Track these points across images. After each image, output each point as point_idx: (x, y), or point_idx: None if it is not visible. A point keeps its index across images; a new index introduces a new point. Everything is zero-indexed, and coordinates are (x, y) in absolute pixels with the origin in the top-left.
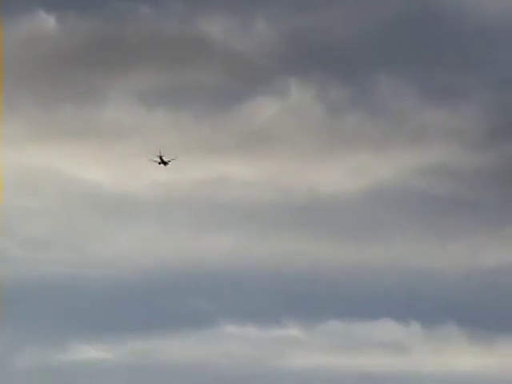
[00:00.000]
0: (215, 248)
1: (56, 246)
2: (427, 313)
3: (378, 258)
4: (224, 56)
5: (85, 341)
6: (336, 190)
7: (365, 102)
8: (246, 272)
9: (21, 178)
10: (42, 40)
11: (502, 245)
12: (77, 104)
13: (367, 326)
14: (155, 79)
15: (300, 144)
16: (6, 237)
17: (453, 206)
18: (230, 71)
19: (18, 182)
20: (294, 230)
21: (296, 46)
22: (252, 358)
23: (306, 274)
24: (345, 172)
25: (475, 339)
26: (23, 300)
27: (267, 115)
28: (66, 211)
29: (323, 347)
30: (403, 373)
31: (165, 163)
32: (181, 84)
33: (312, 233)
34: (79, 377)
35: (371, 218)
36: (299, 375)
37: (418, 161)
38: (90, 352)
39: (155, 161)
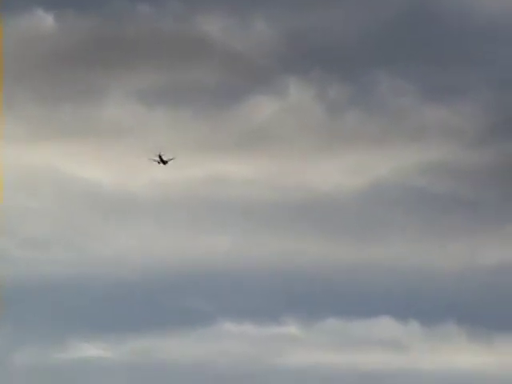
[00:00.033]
0: (214, 246)
1: (55, 245)
2: (426, 311)
3: (376, 257)
4: (223, 55)
5: (84, 339)
6: (335, 188)
7: (364, 101)
8: (245, 271)
9: (20, 178)
10: (40, 39)
11: (501, 243)
12: (76, 103)
13: (366, 324)
14: (154, 78)
15: (299, 143)
16: (5, 236)
17: (452, 205)
18: (229, 70)
19: (17, 182)
20: (292, 228)
21: (295, 45)
22: (250, 356)
23: (305, 272)
24: (344, 171)
25: (474, 337)
26: (22, 299)
27: (266, 114)
28: (65, 210)
29: (322, 345)
30: (402, 371)
31: (164, 162)
32: (180, 83)
33: (311, 231)
34: (79, 375)
35: (370, 217)
36: (298, 373)
37: (418, 159)
38: (90, 350)
39: (155, 160)
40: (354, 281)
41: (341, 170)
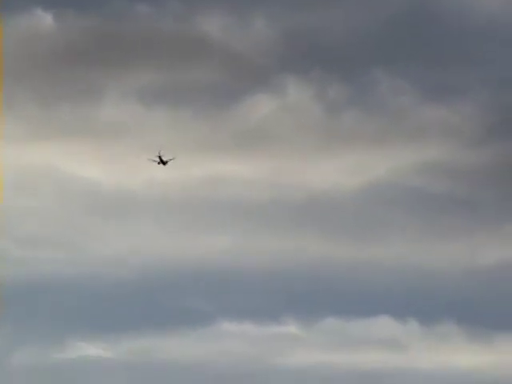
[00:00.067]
0: (213, 246)
1: (54, 244)
2: (425, 310)
3: (375, 256)
4: (222, 54)
5: (83, 339)
6: (334, 188)
7: (363, 100)
8: (245, 270)
9: (19, 177)
10: (39, 38)
11: (500, 243)
12: (75, 102)
13: (365, 324)
14: (153, 78)
15: (298, 142)
16: (4, 236)
17: (451, 204)
18: (228, 70)
19: (17, 181)
20: (291, 228)
21: (294, 45)
22: (250, 356)
23: (304, 271)
24: (343, 170)
25: (473, 337)
26: (21, 298)
27: (265, 114)
28: (64, 210)
29: (321, 345)
30: (401, 370)
31: (164, 163)
32: (179, 82)
33: (310, 231)
34: (78, 375)
35: (369, 217)
36: (298, 373)
37: (417, 159)
38: (89, 350)
39: (154, 160)
40: (354, 280)
41: (339, 170)
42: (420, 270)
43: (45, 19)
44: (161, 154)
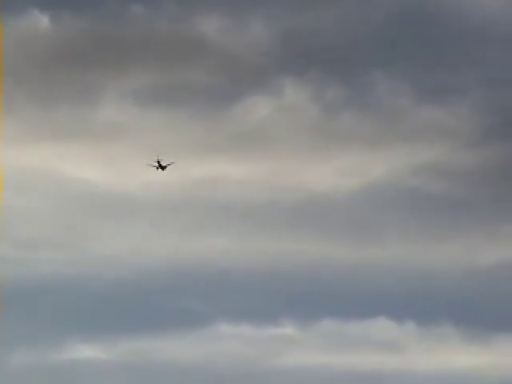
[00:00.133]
0: (211, 247)
1: (53, 245)
2: (422, 312)
3: (373, 257)
4: (219, 56)
5: (81, 340)
6: (331, 189)
7: (360, 101)
8: (243, 271)
9: (18, 178)
10: (36, 40)
11: (497, 244)
12: (72, 104)
13: (362, 325)
14: (150, 79)
15: (296, 144)
16: (3, 237)
17: (448, 205)
18: (225, 71)
19: (16, 182)
20: (289, 229)
21: (291, 45)
22: (248, 357)
23: (301, 273)
24: (340, 171)
25: (471, 338)
26: (19, 299)
27: (262, 115)
28: (63, 211)
29: (319, 346)
30: (399, 372)
31: (163, 168)
32: (176, 84)
33: (307, 232)
34: (75, 376)
35: (367, 218)
36: (295, 374)
37: (414, 160)
38: (87, 351)
39: (153, 165)
40: (351, 281)
41: (337, 171)
42: (418, 271)
43: (41, 21)
44: (159, 159)
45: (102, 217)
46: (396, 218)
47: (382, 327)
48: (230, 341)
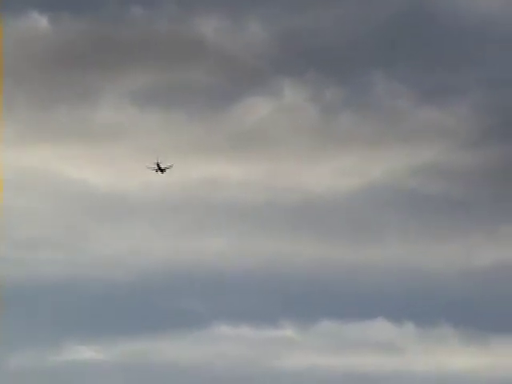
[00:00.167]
0: (209, 249)
1: (50, 246)
2: (421, 313)
3: (371, 258)
4: (217, 57)
5: (79, 341)
6: (330, 190)
7: (359, 102)
8: (241, 273)
9: (18, 179)
10: (35, 41)
11: (495, 244)
12: (71, 105)
13: (361, 327)
14: (149, 80)
15: (294, 144)
16: (3, 237)
17: (446, 206)
18: (223, 72)
19: (16, 183)
20: (287, 230)
21: (290, 46)
22: (247, 359)
23: (300, 274)
24: (339, 172)
25: (469, 339)
26: (17, 301)
27: (261, 116)
28: (61, 211)
29: (318, 348)
30: (397, 373)
31: (162, 170)
32: (174, 85)
33: (306, 233)
34: (73, 377)
35: (365, 219)
36: (294, 376)
37: (413, 160)
38: (85, 353)
39: (153, 168)
40: (349, 283)
41: (336, 172)
42: (416, 272)
43: (40, 22)
44: (159, 162)
45: (101, 217)
46: (395, 219)
47: (381, 328)
48: (228, 342)
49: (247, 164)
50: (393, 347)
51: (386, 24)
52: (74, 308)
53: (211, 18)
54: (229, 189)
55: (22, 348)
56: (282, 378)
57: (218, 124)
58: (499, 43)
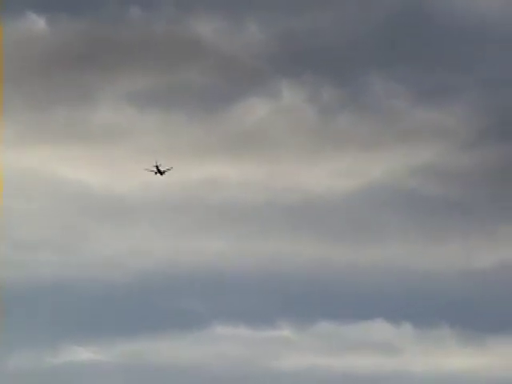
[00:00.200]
0: (208, 249)
1: (51, 247)
2: (419, 313)
3: (369, 259)
4: (216, 58)
5: (77, 343)
6: (328, 190)
7: (357, 103)
8: (239, 273)
9: (16, 180)
10: (32, 42)
11: (494, 245)
12: (70, 106)
13: (359, 327)
14: (147, 81)
15: (293, 145)
16: (2, 238)
17: (445, 207)
18: (222, 73)
19: (15, 185)
20: (286, 230)
21: (288, 47)
22: (245, 359)
23: (298, 275)
24: (337, 173)
25: (467, 340)
26: (18, 301)
27: (259, 117)
28: (61, 213)
29: (315, 348)
30: (395, 373)
31: (161, 173)
32: (173, 86)
33: (304, 234)
34: (71, 379)
35: (364, 219)
36: (292, 376)
37: (411, 161)
38: (82, 354)
39: (152, 171)
40: (348, 283)
41: (334, 172)
42: (415, 273)
43: (38, 23)
44: (158, 164)
45: (100, 218)
46: (394, 219)
47: (379, 329)
48: (227, 343)
49: (246, 165)
50: (391, 348)
51: (384, 24)
52: (73, 309)
53: (209, 19)
54: (227, 189)
55: (20, 349)
56: (281, 378)
57: (216, 125)
58: (498, 43)
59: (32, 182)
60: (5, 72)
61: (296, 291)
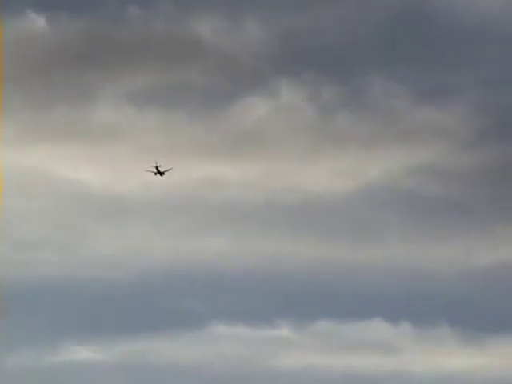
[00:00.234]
0: (208, 248)
1: (49, 247)
2: (418, 313)
3: (368, 258)
4: (215, 57)
5: (77, 342)
6: (327, 190)
7: (356, 102)
8: (238, 273)
9: (16, 180)
10: (32, 41)
11: (493, 244)
12: (70, 105)
13: (358, 327)
14: (147, 80)
15: (292, 144)
16: (2, 237)
17: (444, 206)
18: (221, 72)
19: (15, 184)
20: (285, 230)
21: (287, 46)
22: (244, 359)
23: (299, 274)
24: (337, 172)
25: (466, 339)
26: (14, 302)
27: (259, 116)
28: (60, 212)
29: (315, 347)
30: (394, 373)
31: (161, 174)
32: (173, 85)
33: (303, 233)
34: (71, 378)
35: (363, 219)
36: (291, 375)
37: (410, 161)
38: (82, 353)
39: (151, 171)
40: (347, 283)
41: (333, 172)
42: (414, 272)
43: (38, 22)
44: (158, 165)
45: (100, 217)
46: (393, 219)
47: (378, 329)
48: (226, 342)
49: (246, 164)
50: (390, 347)
51: (384, 24)
52: (73, 308)
53: (208, 18)
54: (227, 189)
55: (20, 348)
56: (280, 378)
57: (216, 124)
58: (498, 43)
59: (32, 180)
60: (4, 71)
61: (295, 291)
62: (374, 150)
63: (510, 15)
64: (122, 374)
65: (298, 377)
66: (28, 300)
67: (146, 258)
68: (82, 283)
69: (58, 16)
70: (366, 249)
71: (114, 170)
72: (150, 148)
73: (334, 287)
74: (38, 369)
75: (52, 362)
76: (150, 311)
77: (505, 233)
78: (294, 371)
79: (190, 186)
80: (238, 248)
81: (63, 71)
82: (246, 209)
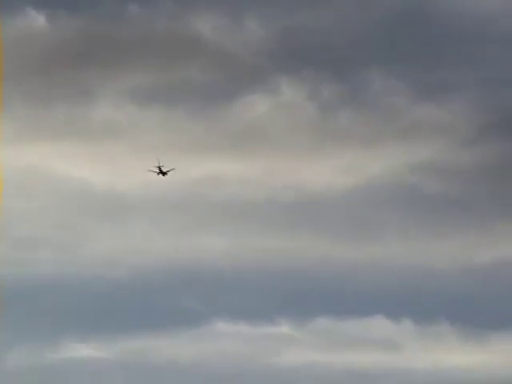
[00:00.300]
0: (208, 246)
1: (51, 245)
2: (419, 310)
3: (369, 256)
4: (216, 54)
5: (77, 339)
6: (328, 187)
7: (356, 100)
8: (239, 270)
9: (16, 178)
10: (32, 39)
11: (494, 241)
12: (69, 103)
13: (359, 324)
14: (147, 78)
15: (293, 142)
16: (2, 236)
17: (444, 203)
18: (221, 70)
19: (15, 183)
20: (286, 227)
21: (288, 44)
22: (245, 356)
23: (298, 271)
24: (337, 170)
25: (467, 336)
26: (14, 299)
27: (259, 113)
28: (60, 211)
29: (315, 344)
30: (395, 370)
31: (164, 174)
32: (172, 83)
33: (304, 231)
34: (71, 375)
35: (364, 216)
36: (292, 372)
37: (411, 158)
38: (83, 350)
39: (154, 171)
40: (348, 280)
41: (334, 169)
42: (415, 270)
43: (38, 20)
44: (161, 165)
45: (100, 216)
46: (393, 216)
47: (379, 326)
48: (226, 339)
49: (246, 161)
50: (391, 344)
51: (384, 22)
52: (73, 306)
53: (209, 16)
54: (227, 186)
55: (20, 346)
56: (280, 375)
57: (216, 122)
58: (498, 43)
59: (32, 179)
60: (4, 69)
61: (296, 288)
62: (374, 148)
63: (510, 15)
64: (122, 372)
65: (299, 374)
66: (28, 298)
67: (146, 256)
68: (82, 281)
69: (58, 14)
70: (366, 246)
71: (114, 169)
72: (150, 146)
73: (335, 284)
74: (38, 366)
75: (53, 360)
76: (150, 309)
77: (505, 230)
78: (295, 368)
79: (191, 183)
80: (238, 245)
81: (63, 69)
82: (247, 206)
